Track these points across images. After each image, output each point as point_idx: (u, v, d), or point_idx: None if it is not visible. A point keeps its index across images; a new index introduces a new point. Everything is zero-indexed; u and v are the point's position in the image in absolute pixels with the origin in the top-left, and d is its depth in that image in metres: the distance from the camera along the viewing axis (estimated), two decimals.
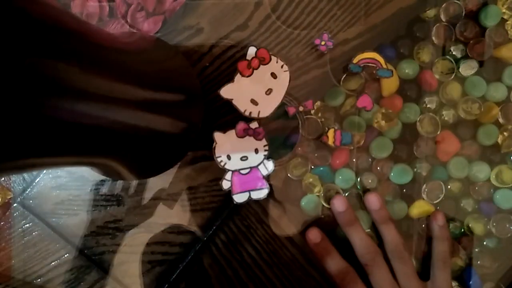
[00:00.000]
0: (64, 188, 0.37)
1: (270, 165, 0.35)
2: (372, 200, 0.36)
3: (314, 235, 0.36)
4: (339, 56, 0.37)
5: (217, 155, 0.34)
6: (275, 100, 0.34)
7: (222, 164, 0.34)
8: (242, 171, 0.35)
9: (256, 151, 0.34)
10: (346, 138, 0.35)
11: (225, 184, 0.35)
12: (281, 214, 0.37)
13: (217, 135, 0.34)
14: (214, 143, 0.34)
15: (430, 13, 0.38)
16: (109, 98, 0.22)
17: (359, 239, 0.35)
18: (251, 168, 0.35)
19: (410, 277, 0.35)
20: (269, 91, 0.34)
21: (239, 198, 0.35)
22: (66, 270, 0.37)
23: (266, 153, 0.35)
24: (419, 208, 0.38)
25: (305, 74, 0.37)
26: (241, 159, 0.34)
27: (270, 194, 0.36)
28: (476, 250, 0.39)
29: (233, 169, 0.34)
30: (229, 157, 0.34)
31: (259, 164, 0.35)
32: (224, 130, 0.34)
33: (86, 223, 0.37)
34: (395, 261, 0.35)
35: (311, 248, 0.36)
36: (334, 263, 0.35)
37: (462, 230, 0.39)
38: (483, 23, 0.38)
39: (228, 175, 0.35)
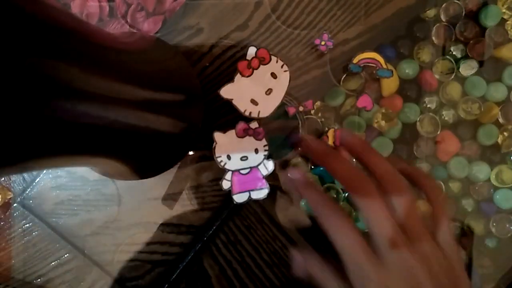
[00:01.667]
0: (64, 188, 0.37)
1: (270, 165, 0.35)
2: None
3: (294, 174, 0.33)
4: (339, 56, 0.37)
5: (217, 155, 0.34)
6: (275, 100, 0.34)
7: (222, 164, 0.34)
8: (242, 171, 0.35)
9: (256, 151, 0.34)
10: None
11: (225, 184, 0.35)
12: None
13: (217, 135, 0.34)
14: (214, 143, 0.34)
15: (430, 13, 0.38)
16: (109, 98, 0.22)
17: (340, 163, 0.30)
18: (251, 168, 0.35)
19: (410, 210, 0.28)
20: (269, 91, 0.34)
21: (239, 198, 0.35)
22: (66, 270, 0.37)
23: (266, 153, 0.35)
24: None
25: (305, 74, 0.37)
26: (241, 159, 0.34)
27: (274, 192, 0.36)
28: (476, 250, 0.39)
29: (233, 169, 0.34)
30: (229, 157, 0.34)
31: (259, 164, 0.35)
32: (224, 130, 0.34)
33: (86, 223, 0.37)
34: (389, 193, 0.28)
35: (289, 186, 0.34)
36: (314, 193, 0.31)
37: (462, 230, 0.39)
38: (483, 23, 0.38)
39: (228, 175, 0.35)
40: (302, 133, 0.37)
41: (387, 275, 0.26)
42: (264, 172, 0.35)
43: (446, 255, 0.28)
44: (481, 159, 0.39)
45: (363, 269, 0.26)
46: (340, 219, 0.28)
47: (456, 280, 0.28)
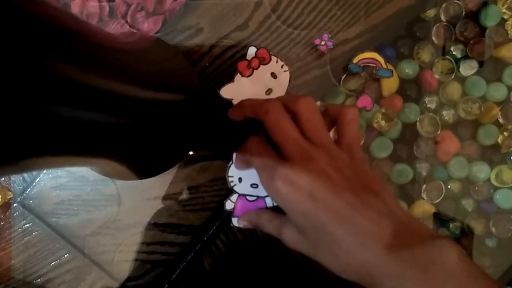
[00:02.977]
0: (64, 188, 0.37)
1: None
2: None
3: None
4: (339, 56, 0.37)
5: (229, 174, 0.34)
6: None
7: (232, 184, 0.34)
8: (249, 198, 0.34)
9: None
10: None
11: (228, 205, 0.34)
12: None
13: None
14: (231, 162, 0.33)
15: (430, 13, 0.38)
16: (109, 98, 0.22)
17: (246, 101, 0.31)
18: (258, 197, 0.34)
19: (308, 114, 0.28)
20: (269, 91, 0.34)
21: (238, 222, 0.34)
22: (66, 270, 0.37)
23: None
24: (419, 208, 0.38)
25: (305, 74, 0.37)
26: (251, 185, 0.34)
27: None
28: (476, 250, 0.39)
29: (240, 192, 0.34)
30: (240, 180, 0.34)
31: (266, 196, 0.34)
32: None
33: (86, 223, 0.37)
34: (288, 105, 0.29)
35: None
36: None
37: (462, 230, 0.39)
38: (483, 23, 0.38)
39: (233, 197, 0.34)
40: None
41: (291, 168, 0.26)
42: (269, 204, 0.34)
43: (349, 155, 0.28)
44: (481, 159, 0.39)
45: (269, 166, 0.27)
46: (251, 143, 0.30)
47: (361, 176, 0.27)
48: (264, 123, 0.28)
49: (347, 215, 0.25)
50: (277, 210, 0.30)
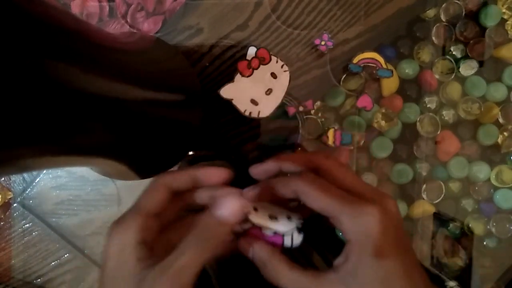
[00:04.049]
0: (64, 188, 0.37)
1: (298, 239, 0.26)
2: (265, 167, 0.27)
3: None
4: (339, 56, 0.37)
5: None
6: (275, 100, 0.34)
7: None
8: (265, 231, 0.26)
9: (289, 217, 0.26)
10: (346, 138, 0.36)
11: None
12: None
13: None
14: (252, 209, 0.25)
15: (430, 13, 0.38)
16: (110, 98, 0.22)
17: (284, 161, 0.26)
18: (275, 233, 0.26)
19: (342, 165, 0.26)
20: (269, 91, 0.34)
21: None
22: (66, 270, 0.37)
23: (299, 224, 0.26)
24: (419, 208, 0.38)
25: (305, 74, 0.37)
26: (270, 217, 0.26)
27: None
28: (476, 250, 0.39)
29: (255, 222, 0.25)
30: (255, 209, 0.26)
31: (286, 232, 0.26)
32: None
33: (86, 223, 0.37)
34: (315, 162, 0.26)
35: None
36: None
37: (462, 230, 0.39)
38: (483, 23, 0.38)
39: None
40: (302, 133, 0.37)
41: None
42: (288, 243, 0.26)
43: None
44: (481, 159, 0.39)
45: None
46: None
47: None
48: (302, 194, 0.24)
49: (391, 280, 0.24)
50: (293, 254, 0.26)
